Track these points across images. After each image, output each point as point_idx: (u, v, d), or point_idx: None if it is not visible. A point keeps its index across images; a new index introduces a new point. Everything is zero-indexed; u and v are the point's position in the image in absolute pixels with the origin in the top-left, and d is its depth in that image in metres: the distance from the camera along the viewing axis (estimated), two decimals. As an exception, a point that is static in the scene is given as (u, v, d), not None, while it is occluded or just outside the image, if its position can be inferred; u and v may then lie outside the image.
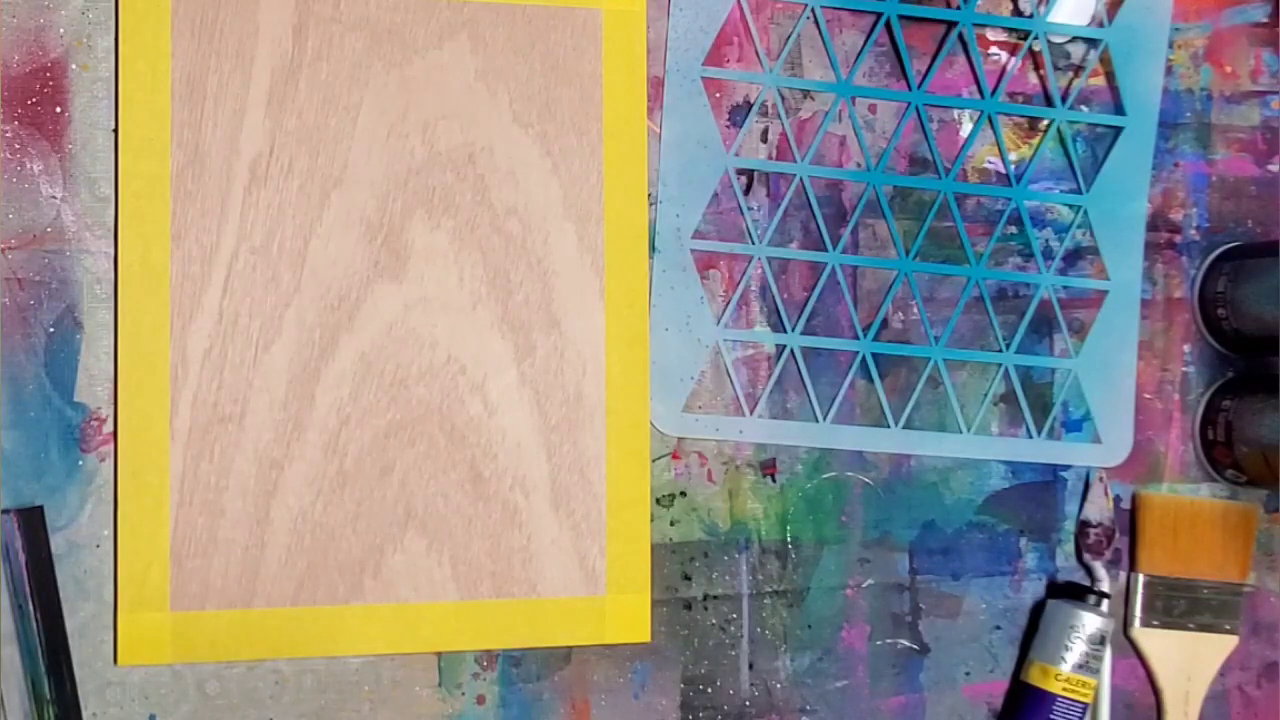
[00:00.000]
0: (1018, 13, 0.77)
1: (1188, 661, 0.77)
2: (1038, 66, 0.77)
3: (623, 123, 0.71)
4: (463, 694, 0.69)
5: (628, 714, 0.71)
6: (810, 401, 0.74)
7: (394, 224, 0.68)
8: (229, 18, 0.66)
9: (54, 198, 0.65)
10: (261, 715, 0.67)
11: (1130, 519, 0.78)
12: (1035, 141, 0.77)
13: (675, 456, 0.72)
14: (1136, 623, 0.77)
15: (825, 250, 0.74)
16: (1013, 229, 0.77)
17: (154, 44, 0.66)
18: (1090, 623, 0.73)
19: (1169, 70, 0.79)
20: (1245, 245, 0.79)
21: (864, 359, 0.74)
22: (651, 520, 0.71)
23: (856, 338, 0.74)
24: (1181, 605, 0.77)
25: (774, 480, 0.73)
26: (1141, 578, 0.77)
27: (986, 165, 0.77)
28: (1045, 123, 0.77)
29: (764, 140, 0.74)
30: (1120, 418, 0.78)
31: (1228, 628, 0.77)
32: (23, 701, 0.63)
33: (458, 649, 0.69)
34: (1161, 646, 0.77)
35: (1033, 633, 0.76)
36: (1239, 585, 0.78)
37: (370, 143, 0.68)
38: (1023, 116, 0.77)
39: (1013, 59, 0.77)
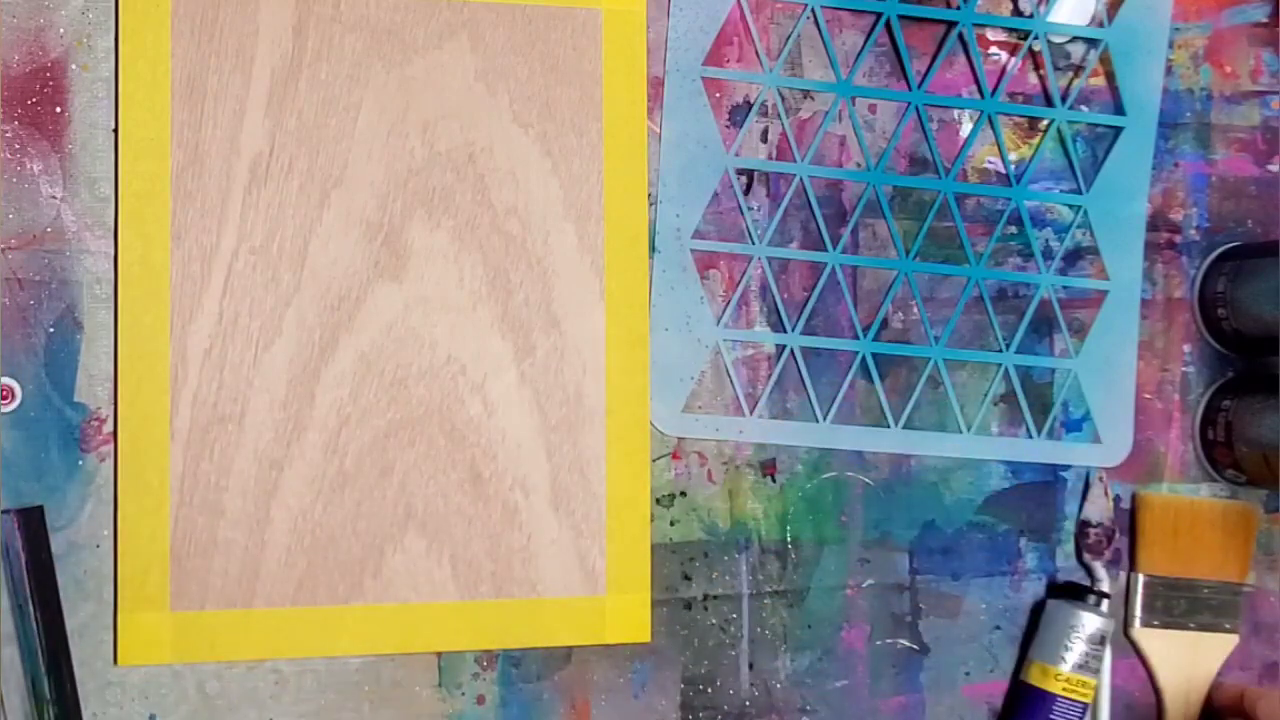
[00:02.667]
0: (1018, 13, 0.77)
1: (1188, 661, 0.77)
2: (1038, 66, 0.77)
3: (623, 123, 0.71)
4: (463, 694, 0.69)
5: (628, 714, 0.71)
6: (810, 401, 0.74)
7: (394, 224, 0.68)
8: (229, 18, 0.66)
9: (54, 198, 0.65)
10: (261, 715, 0.67)
11: (1130, 519, 0.78)
12: (1035, 141, 0.77)
13: (675, 456, 0.72)
14: (1137, 623, 0.77)
15: (825, 250, 0.74)
16: (1013, 229, 0.77)
17: (154, 44, 0.66)
18: (1090, 623, 0.73)
19: (1169, 70, 0.79)
20: (1245, 245, 0.79)
21: (864, 359, 0.74)
22: (651, 520, 0.71)
23: (856, 338, 0.74)
24: (1181, 605, 0.77)
25: (774, 480, 0.73)
26: (1141, 578, 0.77)
27: (986, 165, 0.77)
28: (1045, 123, 0.77)
29: (764, 140, 0.74)
30: (1120, 418, 0.77)
31: (1228, 627, 0.77)
32: (23, 701, 0.63)
33: (458, 649, 0.69)
34: (1162, 646, 0.77)
35: (1033, 633, 0.76)
36: (1239, 585, 0.78)
37: (370, 143, 0.68)
38: (1023, 116, 0.77)
39: (1013, 59, 0.77)
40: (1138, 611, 0.77)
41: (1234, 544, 0.77)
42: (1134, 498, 0.78)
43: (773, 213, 0.74)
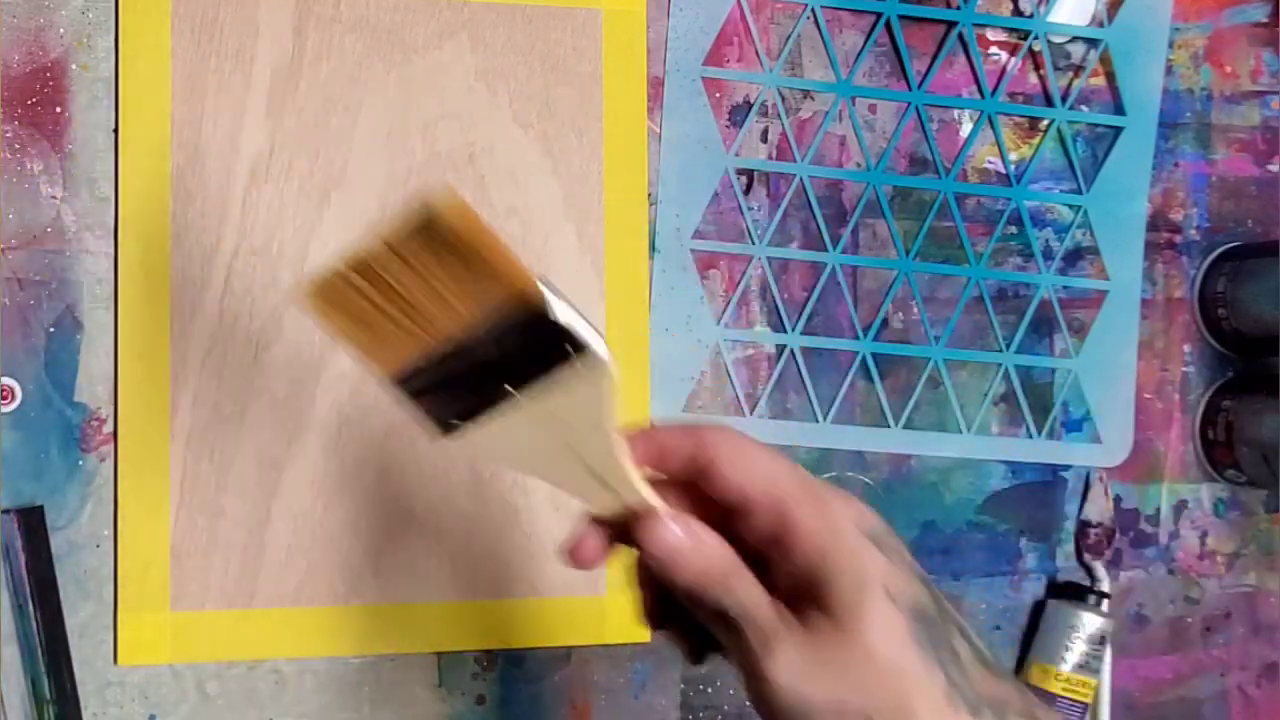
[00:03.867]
0: (1018, 13, 0.77)
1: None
2: (1038, 66, 0.77)
3: (623, 123, 0.71)
4: (463, 694, 0.69)
5: (628, 714, 0.71)
6: (810, 401, 0.74)
7: (394, 224, 0.68)
8: (229, 18, 0.66)
9: (54, 198, 0.65)
10: (261, 715, 0.67)
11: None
12: (1035, 141, 0.77)
13: (675, 456, 0.72)
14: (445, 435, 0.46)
15: (825, 250, 0.74)
16: (1013, 229, 0.77)
17: (154, 44, 0.66)
18: (1090, 623, 0.73)
19: (1169, 70, 0.79)
20: (1245, 245, 0.79)
21: (864, 359, 0.74)
22: (651, 520, 0.71)
23: (856, 338, 0.74)
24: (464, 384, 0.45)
25: (774, 480, 0.73)
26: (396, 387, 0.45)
27: (986, 165, 0.77)
28: (1045, 123, 0.77)
29: (764, 140, 0.74)
30: (1120, 418, 0.77)
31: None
32: (23, 701, 0.63)
33: (458, 649, 0.69)
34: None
35: (1033, 633, 0.76)
36: (520, 308, 0.43)
37: (370, 143, 0.68)
38: (1023, 116, 0.77)
39: (1013, 59, 0.77)
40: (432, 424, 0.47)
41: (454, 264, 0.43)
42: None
43: (773, 213, 0.74)
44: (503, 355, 0.42)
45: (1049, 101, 0.77)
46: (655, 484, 0.44)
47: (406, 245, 0.41)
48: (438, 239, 0.40)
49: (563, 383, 0.42)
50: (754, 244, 0.73)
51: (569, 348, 0.41)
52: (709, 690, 0.72)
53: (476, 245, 0.40)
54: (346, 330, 0.44)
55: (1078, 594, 0.75)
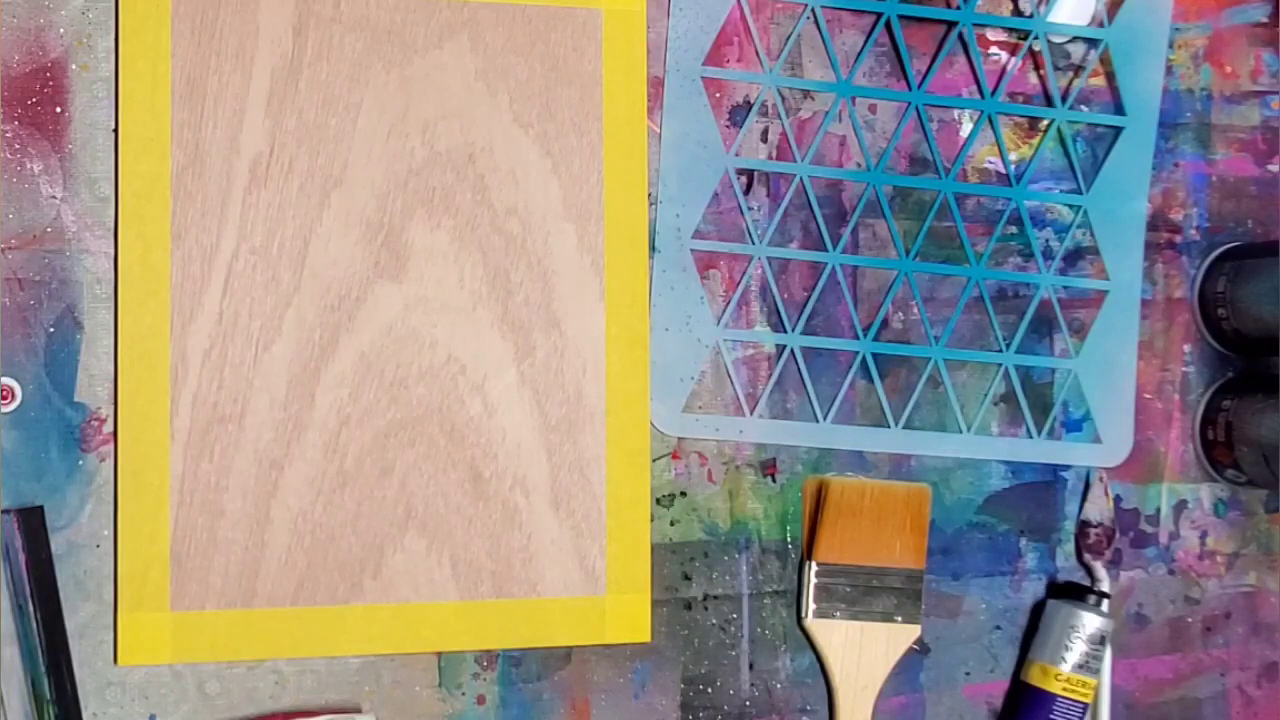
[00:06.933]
0: (1018, 13, 0.77)
1: (862, 652, 0.73)
2: (1038, 66, 0.78)
3: (623, 123, 0.71)
4: (463, 694, 0.69)
5: (628, 714, 0.71)
6: (810, 401, 0.74)
7: (394, 224, 0.68)
8: (229, 18, 0.66)
9: (54, 198, 0.65)
10: (261, 715, 0.67)
11: (812, 506, 0.74)
12: (1035, 141, 0.77)
13: (675, 456, 0.72)
14: (810, 614, 0.73)
15: (825, 250, 0.74)
16: (1013, 229, 0.77)
17: (154, 44, 0.66)
18: (1090, 623, 0.73)
19: (1169, 70, 0.79)
20: (1245, 245, 0.79)
21: (864, 359, 0.74)
22: (651, 520, 0.71)
23: (856, 338, 0.74)
24: (857, 594, 0.73)
25: (774, 480, 0.73)
26: (815, 566, 0.73)
27: (986, 165, 0.77)
28: (1045, 123, 0.77)
29: (764, 140, 0.74)
30: (1120, 418, 0.78)
31: (905, 618, 0.73)
32: (23, 701, 0.63)
33: (458, 649, 0.69)
34: (836, 638, 0.73)
35: (1033, 633, 0.76)
36: (917, 572, 0.74)
37: (370, 143, 0.68)
38: (1023, 116, 0.77)
39: (1013, 59, 0.77)
40: (810, 602, 0.73)
41: (910, 528, 0.73)
42: (819, 484, 0.73)
43: (773, 213, 0.74)
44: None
45: (1049, 101, 0.77)
46: None
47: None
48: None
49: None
50: (754, 244, 0.73)
51: None
52: (709, 690, 0.72)
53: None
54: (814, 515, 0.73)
55: (1078, 594, 0.75)
